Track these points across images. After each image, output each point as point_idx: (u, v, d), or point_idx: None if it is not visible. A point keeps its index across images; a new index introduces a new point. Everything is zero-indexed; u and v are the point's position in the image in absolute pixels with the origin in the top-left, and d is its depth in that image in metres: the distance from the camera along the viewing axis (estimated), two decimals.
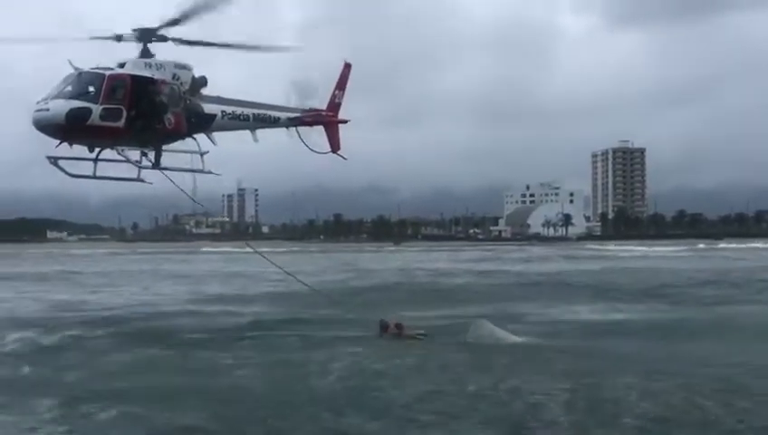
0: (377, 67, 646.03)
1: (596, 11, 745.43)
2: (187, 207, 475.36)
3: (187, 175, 49.41)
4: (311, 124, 55.68)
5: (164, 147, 48.81)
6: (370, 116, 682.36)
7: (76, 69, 45.21)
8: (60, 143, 45.59)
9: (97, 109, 44.39)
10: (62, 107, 43.99)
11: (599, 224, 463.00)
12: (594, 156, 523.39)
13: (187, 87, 48.58)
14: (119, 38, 47.15)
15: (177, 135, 48.40)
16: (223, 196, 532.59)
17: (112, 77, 45.39)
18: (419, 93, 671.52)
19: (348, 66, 57.28)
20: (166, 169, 48.42)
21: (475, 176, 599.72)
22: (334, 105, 56.50)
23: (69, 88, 44.62)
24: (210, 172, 50.04)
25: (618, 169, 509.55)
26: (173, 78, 47.86)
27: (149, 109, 46.33)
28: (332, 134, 56.41)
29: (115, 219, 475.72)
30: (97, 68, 45.60)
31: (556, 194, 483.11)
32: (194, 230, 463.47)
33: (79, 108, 44.12)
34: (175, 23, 46.53)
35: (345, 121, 56.92)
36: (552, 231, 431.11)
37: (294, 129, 55.08)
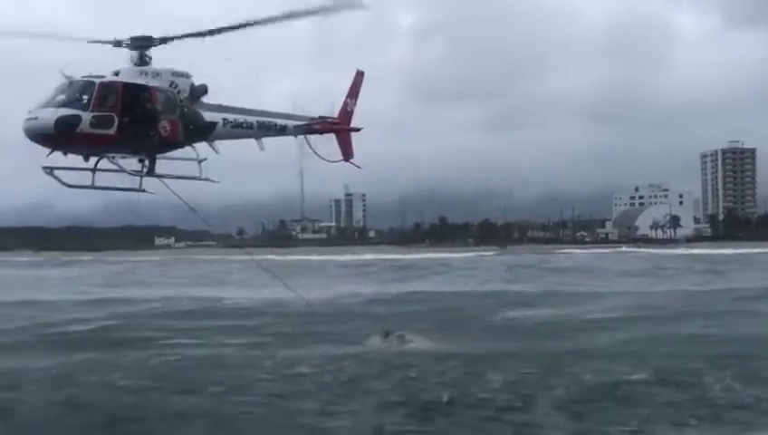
0: (487, 71, 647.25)
1: (712, 11, 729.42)
2: (296, 212, 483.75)
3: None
4: (320, 132, 55.02)
5: (163, 154, 48.86)
6: (480, 119, 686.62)
7: (67, 77, 45.21)
8: (51, 152, 45.69)
9: (87, 116, 44.16)
10: (50, 115, 43.87)
11: (708, 226, 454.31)
12: (704, 156, 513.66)
13: (185, 95, 48.15)
14: (118, 44, 47.15)
15: (174, 143, 48.01)
16: (330, 201, 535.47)
17: (103, 85, 45.17)
18: (530, 96, 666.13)
19: (360, 74, 56.28)
20: (161, 176, 48.26)
21: (584, 178, 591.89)
22: (346, 113, 55.56)
23: (59, 96, 44.56)
24: (208, 180, 49.63)
25: (728, 169, 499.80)
26: (170, 86, 47.53)
27: (142, 116, 46.03)
28: (344, 142, 55.47)
29: (224, 225, 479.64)
30: (88, 76, 45.61)
31: (665, 196, 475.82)
32: (300, 236, 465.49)
33: (68, 115, 43.96)
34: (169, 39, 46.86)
35: (357, 129, 56.05)
36: (659, 233, 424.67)
37: (303, 137, 54.62)
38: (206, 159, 49.25)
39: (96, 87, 44.86)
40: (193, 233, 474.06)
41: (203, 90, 49.11)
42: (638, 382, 39.47)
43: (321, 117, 54.41)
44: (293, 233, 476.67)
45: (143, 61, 47.15)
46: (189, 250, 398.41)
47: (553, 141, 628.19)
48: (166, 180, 48.58)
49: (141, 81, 46.42)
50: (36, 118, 43.89)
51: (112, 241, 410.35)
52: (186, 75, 48.45)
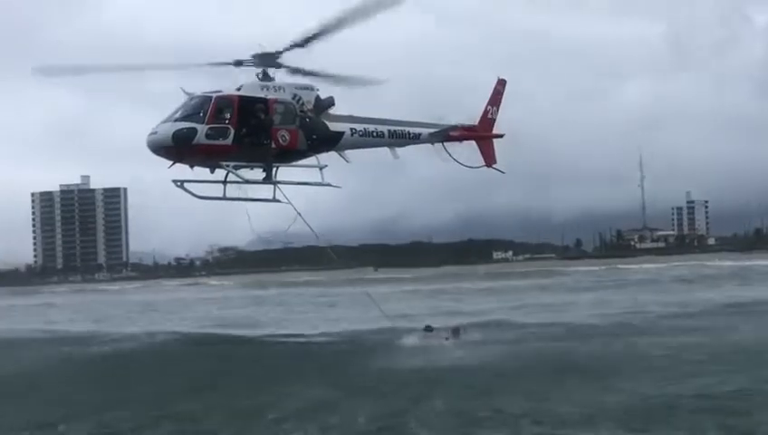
0: None
1: None
2: (636, 221, 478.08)
3: None
4: (459, 139, 56.61)
5: (289, 163, 51.90)
6: None
7: (188, 94, 49.24)
8: (172, 164, 49.74)
9: (203, 128, 47.93)
10: (168, 129, 48.15)
11: None
12: None
13: (309, 106, 51.11)
14: (238, 63, 50.84)
15: (294, 152, 51.01)
16: (672, 208, 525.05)
17: (219, 98, 48.93)
18: None
19: (501, 82, 57.72)
20: (278, 182, 51.28)
21: None
22: (487, 121, 57.13)
23: (179, 112, 48.67)
24: (329, 185, 52.15)
25: None
26: (293, 98, 50.64)
27: (258, 127, 49.24)
28: (486, 149, 57.10)
29: (560, 237, 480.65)
30: (208, 92, 49.43)
31: None
32: (638, 245, 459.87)
33: (185, 128, 47.89)
34: (294, 47, 49.90)
35: (500, 136, 57.42)
36: None
37: (441, 145, 56.31)
38: (326, 166, 52.02)
39: (212, 101, 48.81)
40: (531, 246, 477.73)
41: (329, 102, 51.97)
42: None
43: (454, 125, 56.09)
44: (631, 243, 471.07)
45: (266, 76, 50.54)
46: (527, 263, 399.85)
47: None
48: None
49: (261, 94, 49.75)
50: (156, 132, 48.43)
51: (451, 255, 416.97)
52: (310, 88, 51.53)
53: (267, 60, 50.54)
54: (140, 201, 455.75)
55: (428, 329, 60.00)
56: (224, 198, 51.74)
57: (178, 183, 50.64)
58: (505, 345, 56.51)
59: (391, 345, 55.73)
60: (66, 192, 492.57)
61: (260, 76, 50.60)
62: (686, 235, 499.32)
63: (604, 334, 61.29)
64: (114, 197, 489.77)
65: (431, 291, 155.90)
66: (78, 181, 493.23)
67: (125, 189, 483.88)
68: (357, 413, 36.45)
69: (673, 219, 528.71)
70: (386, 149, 55.18)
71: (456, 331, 59.27)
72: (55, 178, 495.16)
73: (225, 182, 51.23)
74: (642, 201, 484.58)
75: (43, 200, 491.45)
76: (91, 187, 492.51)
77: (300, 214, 51.64)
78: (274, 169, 51.12)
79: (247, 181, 50.70)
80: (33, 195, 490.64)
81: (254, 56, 50.56)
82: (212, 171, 50.56)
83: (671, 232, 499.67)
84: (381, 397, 40.20)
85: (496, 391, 39.87)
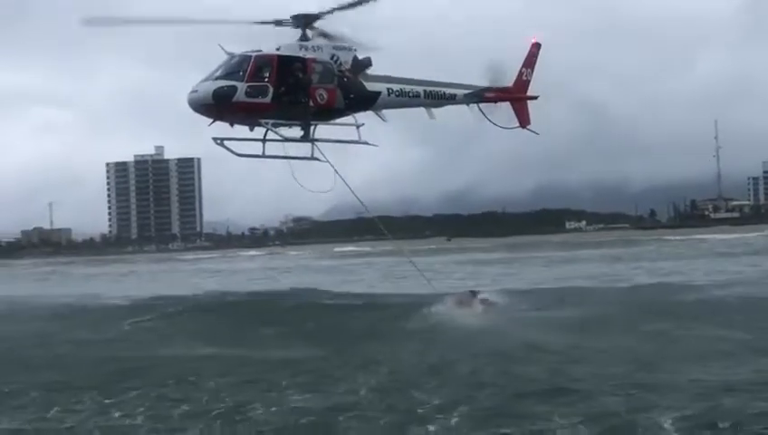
0: None
1: None
2: (711, 192, 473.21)
3: None
4: (494, 101, 57.09)
5: (327, 122, 52.59)
6: None
7: (228, 53, 50.20)
8: (212, 121, 50.60)
9: (242, 86, 49.01)
10: (208, 87, 49.36)
11: None
12: None
13: (347, 66, 51.81)
14: (278, 23, 51.52)
15: (332, 110, 51.71)
16: (748, 178, 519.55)
17: (258, 57, 50.11)
18: None
19: (536, 45, 58.17)
20: (316, 140, 51.98)
21: None
22: (522, 82, 57.77)
23: (219, 71, 49.82)
24: (366, 143, 52.87)
25: None
26: (331, 58, 51.43)
27: (297, 86, 50.17)
28: (521, 110, 57.75)
29: (634, 207, 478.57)
30: (247, 51, 50.24)
31: None
32: (712, 215, 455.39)
33: (225, 86, 49.06)
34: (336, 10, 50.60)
35: (534, 98, 57.79)
36: None
37: (476, 106, 56.80)
38: (363, 124, 52.72)
39: (252, 60, 49.94)
40: (604, 215, 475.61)
41: (367, 62, 52.82)
42: None
43: (488, 87, 56.54)
44: (705, 213, 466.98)
45: (305, 37, 51.21)
46: (600, 233, 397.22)
47: None
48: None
49: (300, 54, 50.59)
50: (197, 91, 49.71)
51: (524, 225, 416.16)
52: (348, 48, 52.35)
53: (305, 21, 51.13)
54: (214, 171, 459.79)
55: (472, 294, 59.82)
56: (263, 155, 52.73)
57: (218, 141, 51.72)
58: (538, 312, 55.36)
59: (420, 308, 55.14)
60: (140, 162, 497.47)
61: (299, 37, 51.28)
62: (761, 204, 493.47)
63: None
64: (188, 167, 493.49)
65: (498, 259, 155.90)
66: (152, 152, 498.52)
67: (198, 159, 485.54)
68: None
69: (749, 189, 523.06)
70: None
71: (484, 298, 58.42)
72: (130, 148, 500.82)
73: (264, 140, 52.03)
74: (718, 171, 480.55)
75: (118, 171, 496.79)
76: (165, 157, 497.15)
77: (338, 173, 52.36)
78: (312, 128, 51.83)
79: (286, 139, 51.64)
80: (107, 165, 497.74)
81: (293, 17, 51.21)
82: (251, 129, 51.53)
83: (747, 202, 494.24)
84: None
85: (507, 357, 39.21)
